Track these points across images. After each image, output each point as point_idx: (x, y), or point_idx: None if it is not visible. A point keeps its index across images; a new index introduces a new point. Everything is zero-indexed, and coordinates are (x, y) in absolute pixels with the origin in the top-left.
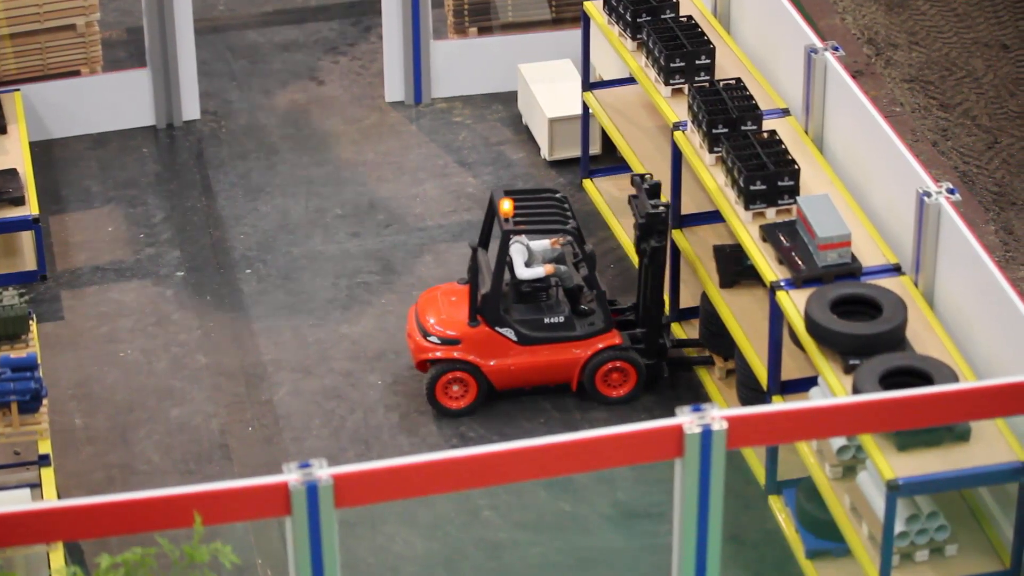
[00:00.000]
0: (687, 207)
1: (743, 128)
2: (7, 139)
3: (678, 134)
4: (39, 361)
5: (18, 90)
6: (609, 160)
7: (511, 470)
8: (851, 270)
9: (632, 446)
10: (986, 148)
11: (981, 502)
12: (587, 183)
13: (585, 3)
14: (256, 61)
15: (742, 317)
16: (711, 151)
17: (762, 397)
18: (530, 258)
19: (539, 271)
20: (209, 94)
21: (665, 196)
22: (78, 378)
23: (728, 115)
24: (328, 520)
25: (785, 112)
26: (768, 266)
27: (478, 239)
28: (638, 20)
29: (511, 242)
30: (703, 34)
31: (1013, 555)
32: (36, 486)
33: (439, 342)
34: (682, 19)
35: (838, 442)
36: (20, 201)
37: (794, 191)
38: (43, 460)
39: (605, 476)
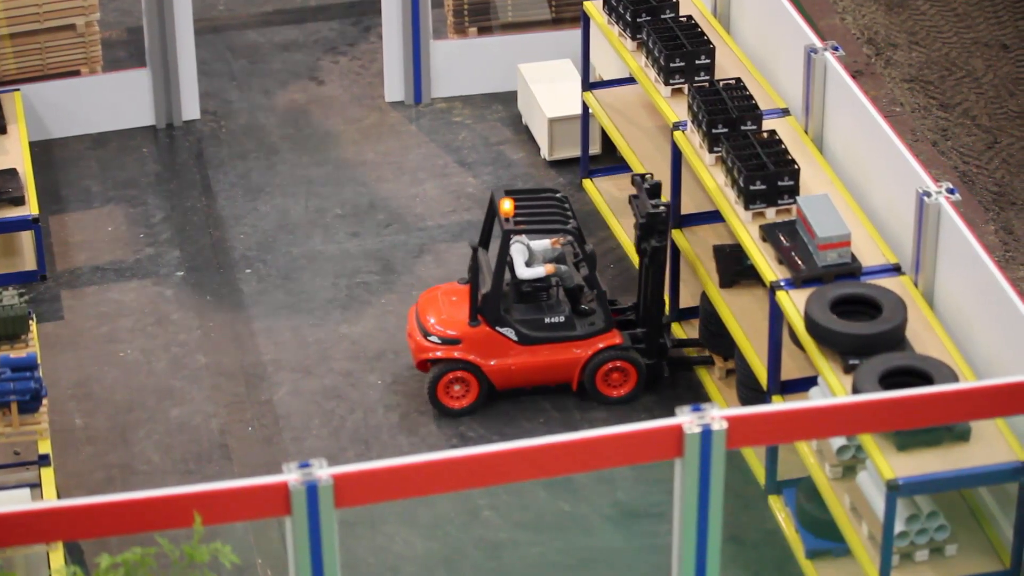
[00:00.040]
0: (687, 207)
1: (743, 128)
2: (7, 139)
3: (678, 134)
4: (39, 361)
5: (18, 90)
6: (609, 160)
7: (511, 470)
8: (851, 270)
9: (632, 446)
10: (986, 148)
11: (981, 502)
12: (587, 183)
13: (585, 3)
14: (256, 61)
15: (742, 317)
16: (711, 151)
17: (762, 397)
18: (531, 258)
19: (540, 271)
20: (209, 94)
21: (665, 196)
22: (78, 378)
23: (728, 115)
24: (328, 520)
25: (785, 112)
26: (768, 266)
27: (478, 239)
28: (638, 20)
29: (512, 242)
30: (703, 34)
31: (1013, 555)
32: (36, 486)
33: (440, 342)
34: (682, 19)
35: (838, 442)
36: (20, 201)
37: (794, 191)
38: (43, 460)
39: (605, 476)
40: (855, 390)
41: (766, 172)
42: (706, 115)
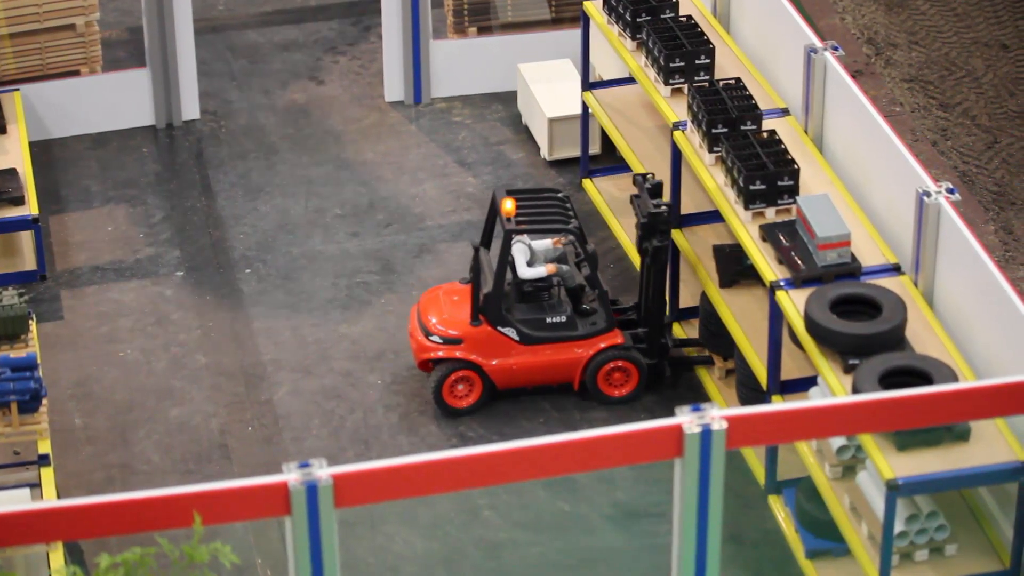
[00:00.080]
0: (687, 207)
1: (743, 128)
2: (7, 139)
3: (678, 134)
4: (39, 361)
5: (18, 90)
6: (609, 160)
7: (511, 470)
8: (851, 270)
9: (632, 446)
10: (986, 148)
11: (981, 502)
12: (587, 183)
13: (585, 3)
14: (256, 61)
15: (742, 317)
16: (711, 151)
17: (762, 397)
18: (532, 258)
19: (541, 271)
20: (209, 94)
21: (665, 196)
22: (78, 378)
23: (728, 115)
24: (328, 520)
25: (785, 112)
26: (768, 266)
27: (480, 239)
28: (638, 20)
29: (513, 242)
30: (703, 34)
31: (1013, 555)
32: (36, 486)
33: (441, 342)
34: (682, 19)
35: (838, 442)
36: (20, 201)
37: (794, 191)
38: (43, 460)
39: (605, 476)
40: (855, 390)
41: (766, 172)
42: (706, 115)
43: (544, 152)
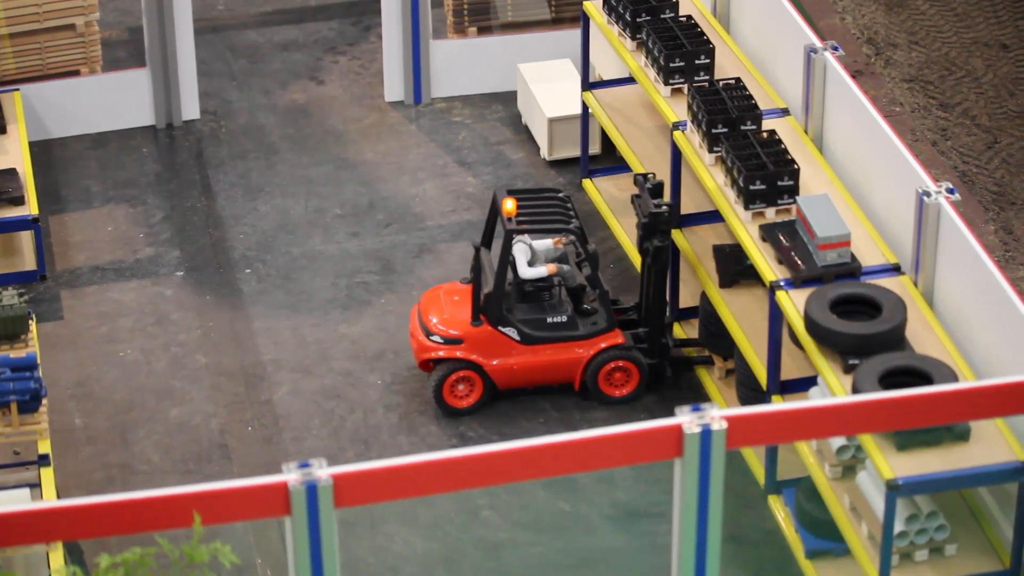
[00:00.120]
0: (687, 207)
1: (743, 128)
2: (7, 139)
3: (678, 134)
4: (39, 361)
5: (18, 90)
6: (609, 160)
7: (511, 470)
8: (851, 270)
9: (631, 446)
10: (986, 148)
11: (981, 502)
12: (587, 183)
13: (585, 3)
14: (256, 61)
15: (742, 317)
16: (711, 151)
17: (762, 397)
18: (533, 257)
19: (542, 270)
20: (209, 94)
21: (665, 196)
22: (78, 378)
23: (728, 115)
24: (328, 520)
25: (785, 112)
26: (768, 266)
27: (481, 238)
28: (638, 20)
29: (514, 241)
30: (703, 34)
31: (1013, 555)
32: (36, 486)
33: (442, 341)
34: (681, 19)
35: (837, 442)
36: (20, 201)
37: (794, 191)
38: (43, 460)
39: (605, 476)
40: (855, 390)
41: (766, 172)
42: (706, 115)
43: (544, 152)
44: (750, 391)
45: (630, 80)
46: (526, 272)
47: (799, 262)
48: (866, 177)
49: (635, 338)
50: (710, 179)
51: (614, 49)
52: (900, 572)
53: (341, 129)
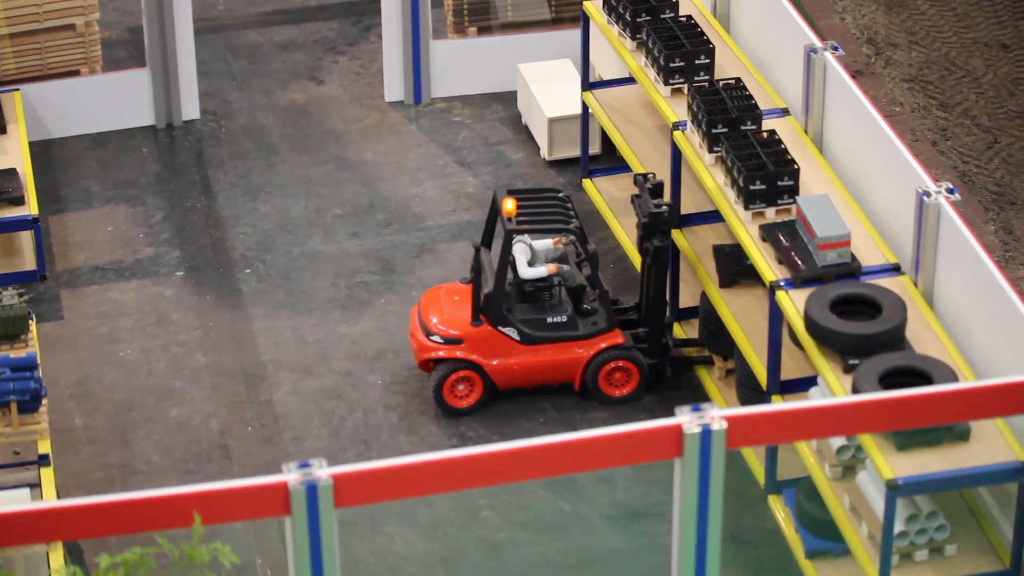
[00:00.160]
0: (687, 207)
1: (743, 128)
2: (7, 139)
3: (678, 134)
4: (39, 361)
5: (18, 90)
6: (608, 160)
7: (511, 470)
8: (851, 270)
9: (631, 446)
10: (986, 148)
11: (981, 502)
12: (587, 183)
13: (585, 3)
14: (256, 61)
15: (741, 317)
16: (711, 151)
17: (762, 397)
18: (533, 257)
19: (542, 270)
20: (209, 94)
21: (665, 196)
22: (78, 378)
23: (728, 115)
24: (328, 520)
25: (785, 112)
26: (768, 266)
27: (481, 238)
28: (638, 20)
29: (514, 241)
30: (703, 34)
31: (1013, 555)
32: (36, 486)
33: (442, 341)
34: (681, 19)
35: (837, 442)
36: (20, 201)
37: (794, 191)
38: (43, 460)
39: (605, 476)
40: (855, 390)
41: (766, 172)
42: (706, 115)
43: (544, 152)
44: (750, 391)
45: (630, 80)
46: (526, 272)
47: (799, 262)
48: (866, 177)
49: (635, 338)
50: (710, 179)
51: (614, 49)
52: (900, 572)
53: (341, 129)
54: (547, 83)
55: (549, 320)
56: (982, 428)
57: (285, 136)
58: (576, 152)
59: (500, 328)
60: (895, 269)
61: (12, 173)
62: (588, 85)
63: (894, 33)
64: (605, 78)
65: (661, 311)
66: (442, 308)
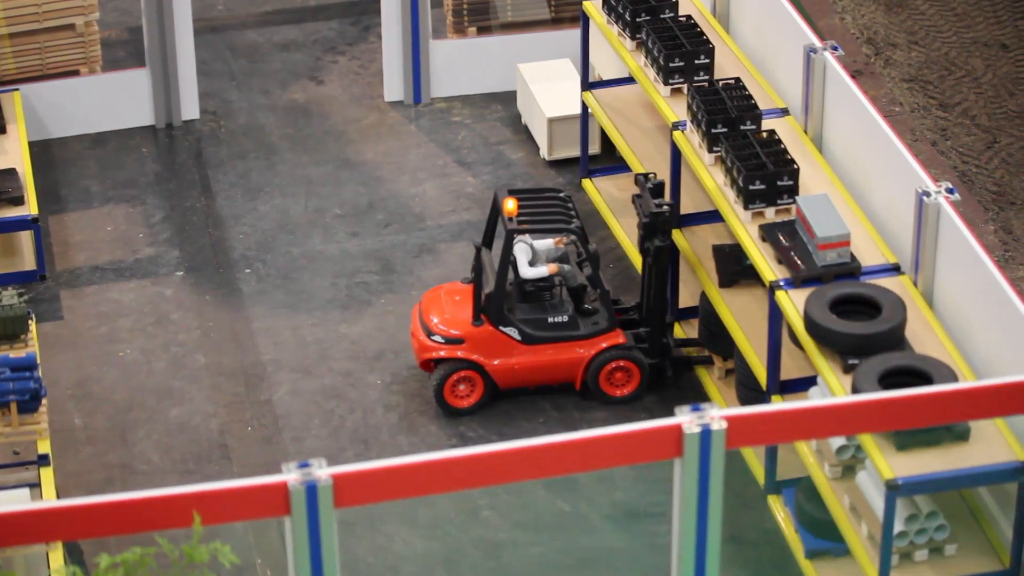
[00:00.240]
0: (686, 207)
1: (742, 128)
2: (6, 139)
3: (677, 134)
4: (38, 361)
5: (17, 90)
6: (608, 160)
7: (511, 470)
8: (850, 270)
9: (631, 446)
10: (985, 148)
11: (981, 502)
12: (586, 183)
13: (584, 3)
14: (255, 61)
15: (741, 317)
16: (710, 151)
17: (761, 397)
18: (534, 257)
19: (543, 270)
20: (208, 94)
21: (665, 196)
22: (77, 378)
23: (727, 115)
24: (327, 520)
25: (784, 112)
26: (767, 266)
27: (482, 238)
28: (637, 20)
29: (515, 241)
30: (702, 34)
31: (1012, 555)
32: (35, 486)
33: (443, 341)
34: (681, 19)
35: (837, 442)
36: (19, 201)
37: (793, 191)
38: (42, 460)
39: (605, 476)
40: (854, 390)
41: (765, 172)
42: (705, 115)
43: (544, 152)
44: (750, 391)
45: (630, 80)
46: (527, 272)
47: (799, 262)
48: (866, 177)
49: (636, 338)
50: (710, 179)
51: (614, 49)
52: (900, 572)
53: (341, 129)
54: (547, 83)
55: (550, 320)
56: (982, 428)
57: (285, 136)
58: (576, 152)
59: (501, 328)
60: (895, 269)
61: (12, 173)
62: (588, 85)
63: (894, 33)
64: (605, 78)
65: (662, 311)
66: (443, 308)
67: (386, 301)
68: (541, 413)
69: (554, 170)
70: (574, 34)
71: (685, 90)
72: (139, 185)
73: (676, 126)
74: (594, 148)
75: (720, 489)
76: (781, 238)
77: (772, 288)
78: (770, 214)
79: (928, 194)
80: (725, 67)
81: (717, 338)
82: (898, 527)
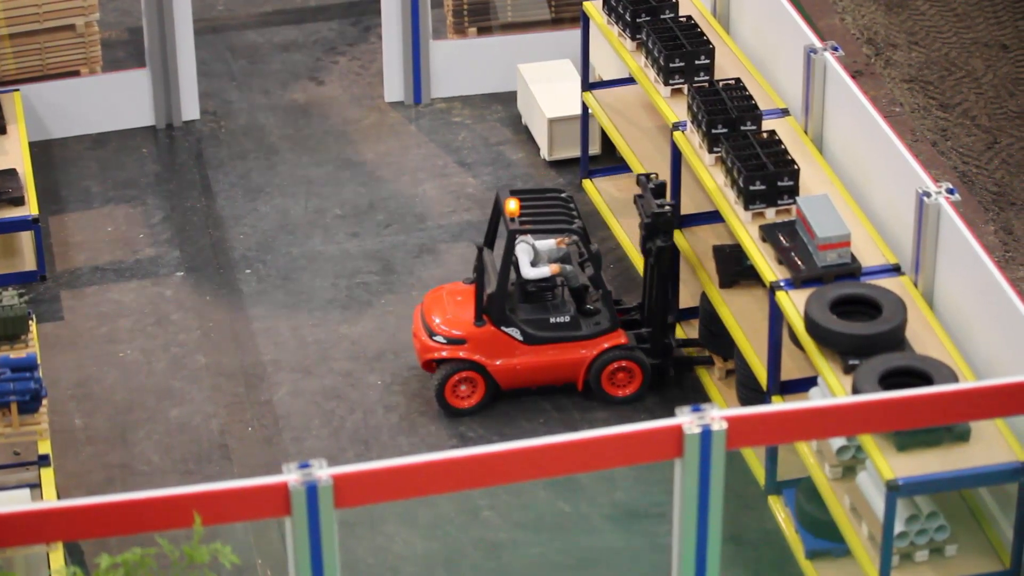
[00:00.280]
0: (687, 207)
1: (743, 128)
2: (7, 139)
3: (678, 134)
4: (39, 361)
5: (18, 90)
6: (609, 160)
7: (511, 470)
8: (851, 270)
9: (632, 446)
10: (986, 148)
11: (981, 502)
12: (587, 183)
13: (584, 3)
14: (256, 61)
15: (742, 317)
16: (711, 151)
17: (762, 397)
18: (536, 258)
19: (545, 271)
20: (209, 94)
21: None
22: (78, 378)
23: (728, 115)
24: (328, 520)
25: (784, 112)
26: (768, 266)
27: (483, 239)
28: (637, 20)
29: (517, 242)
30: (702, 34)
31: (1013, 555)
32: (36, 486)
33: (445, 342)
34: (681, 19)
35: (838, 442)
36: (20, 201)
37: (794, 191)
38: (43, 460)
39: (605, 476)
40: (855, 390)
41: (766, 172)
42: (706, 115)
43: (544, 152)
44: (750, 391)
45: (630, 80)
46: (529, 272)
47: (799, 262)
48: (866, 177)
49: (638, 338)
50: (710, 179)
51: (614, 49)
52: (900, 572)
53: (341, 129)
54: (547, 83)
55: (552, 320)
56: (982, 428)
57: (285, 136)
58: (576, 152)
59: (503, 328)
60: (895, 269)
61: (12, 173)
62: (588, 85)
63: (894, 33)
64: (605, 78)
65: (664, 311)
66: (445, 308)
67: (386, 301)
68: (541, 413)
69: (554, 170)
70: (574, 34)
71: (685, 90)
72: (139, 185)
73: (676, 126)
74: (594, 148)
75: (720, 489)
76: (781, 238)
77: (772, 288)
78: (770, 214)
79: (928, 194)
80: (725, 67)
81: (717, 338)
82: (898, 527)
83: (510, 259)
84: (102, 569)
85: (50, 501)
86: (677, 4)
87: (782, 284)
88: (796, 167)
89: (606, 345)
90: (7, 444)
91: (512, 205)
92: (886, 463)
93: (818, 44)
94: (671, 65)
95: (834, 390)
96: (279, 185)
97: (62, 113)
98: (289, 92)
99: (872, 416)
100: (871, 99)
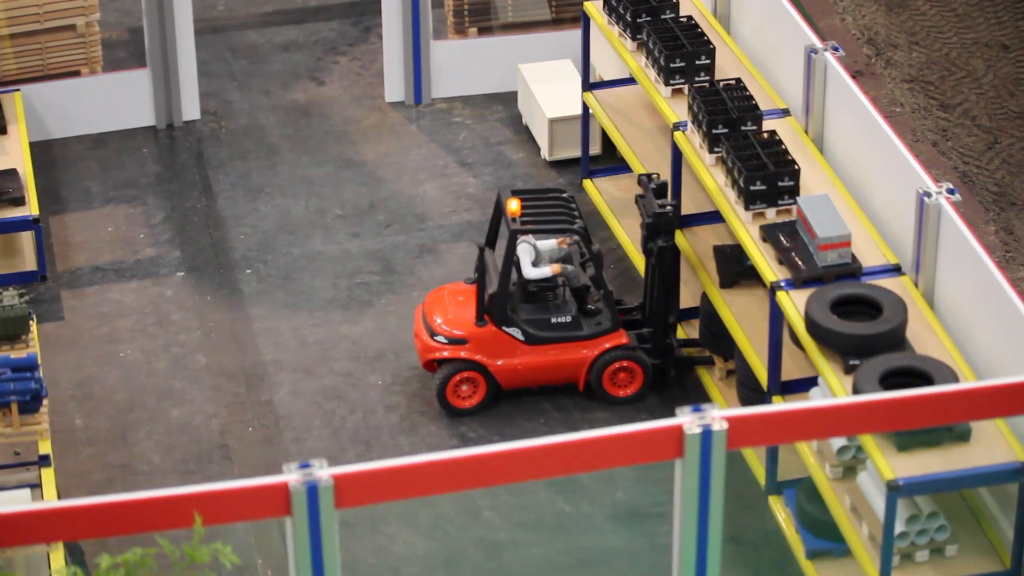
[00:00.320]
0: (687, 207)
1: (743, 128)
2: (7, 139)
3: (678, 134)
4: (39, 361)
5: (18, 90)
6: (609, 160)
7: (511, 470)
8: (851, 270)
9: (632, 446)
10: (986, 148)
11: (981, 502)
12: (587, 183)
13: (585, 3)
14: (256, 61)
15: (742, 317)
16: (711, 151)
17: (762, 397)
18: (537, 258)
19: (546, 271)
20: (209, 94)
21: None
22: (78, 378)
23: (728, 115)
24: (328, 520)
25: (785, 112)
26: (768, 266)
27: (485, 239)
28: (638, 20)
29: (518, 242)
30: (703, 34)
31: (1013, 555)
32: (36, 486)
33: (446, 342)
34: (682, 19)
35: (838, 442)
36: (20, 201)
37: (794, 191)
38: (43, 460)
39: (605, 476)
40: (855, 390)
41: (766, 172)
42: (706, 115)
43: (544, 152)
44: (751, 391)
45: (630, 80)
46: (530, 272)
47: (800, 262)
48: (866, 177)
49: (639, 338)
50: (711, 180)
51: (614, 49)
52: (901, 573)
53: (341, 129)
54: (548, 83)
55: (553, 320)
56: (982, 428)
57: (285, 136)
58: (576, 153)
59: (504, 328)
60: (895, 269)
61: (12, 173)
62: (588, 85)
63: (894, 34)
64: (606, 78)
65: (665, 311)
66: (446, 308)
67: (387, 301)
68: (542, 413)
69: (555, 171)
70: (575, 35)
71: (686, 91)
72: (140, 186)
73: (677, 127)
74: (595, 149)
75: (721, 489)
76: (782, 239)
77: (773, 289)
78: (771, 215)
79: (929, 195)
80: (726, 68)
81: (718, 339)
82: (899, 528)
83: (511, 259)
84: (102, 569)
85: (50, 501)
86: (678, 4)
87: (783, 284)
88: (797, 167)
89: (607, 345)
90: (7, 444)
91: (513, 205)
92: (886, 463)
93: (819, 44)
94: (672, 65)
95: (834, 390)
96: (279, 185)
97: (63, 113)
98: (290, 92)
99: (872, 416)
100: (872, 99)
